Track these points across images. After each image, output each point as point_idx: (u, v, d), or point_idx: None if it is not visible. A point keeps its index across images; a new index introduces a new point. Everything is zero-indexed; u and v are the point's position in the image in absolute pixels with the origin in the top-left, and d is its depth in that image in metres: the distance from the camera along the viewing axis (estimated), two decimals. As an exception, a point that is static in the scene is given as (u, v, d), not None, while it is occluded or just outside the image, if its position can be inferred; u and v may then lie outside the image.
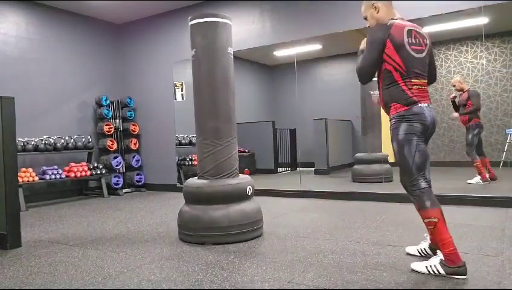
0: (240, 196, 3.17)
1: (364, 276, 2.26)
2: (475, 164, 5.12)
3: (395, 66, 2.26)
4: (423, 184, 2.29)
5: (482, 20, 4.76)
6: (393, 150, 2.37)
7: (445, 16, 4.61)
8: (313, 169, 7.01)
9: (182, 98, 6.69)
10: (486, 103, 5.82)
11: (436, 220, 2.26)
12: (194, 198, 3.20)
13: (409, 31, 2.28)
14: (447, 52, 6.11)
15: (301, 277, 2.29)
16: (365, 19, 2.50)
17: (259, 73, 8.06)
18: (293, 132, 7.68)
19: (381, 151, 6.07)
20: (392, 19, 2.35)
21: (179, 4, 6.35)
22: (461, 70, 6.00)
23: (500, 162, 5.61)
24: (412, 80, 2.27)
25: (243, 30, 5.87)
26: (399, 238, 3.03)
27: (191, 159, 6.90)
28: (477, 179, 5.11)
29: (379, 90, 2.44)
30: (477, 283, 2.11)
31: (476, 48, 5.91)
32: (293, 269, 2.43)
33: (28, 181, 5.32)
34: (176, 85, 6.67)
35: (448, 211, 4.03)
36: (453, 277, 2.16)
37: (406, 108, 2.26)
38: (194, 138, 6.97)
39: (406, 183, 2.36)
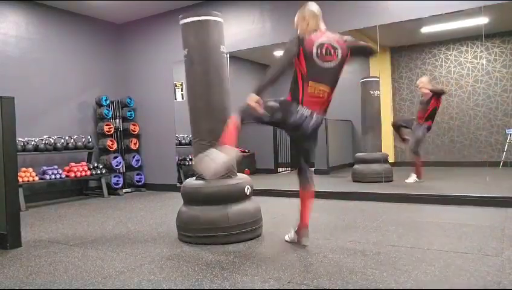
0: (238, 196, 3.15)
1: (364, 276, 2.26)
2: (418, 163, 5.40)
3: (301, 69, 2.65)
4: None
5: (482, 20, 4.76)
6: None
7: (445, 16, 4.61)
8: (313, 169, 7.00)
9: (182, 98, 6.69)
10: (486, 103, 5.82)
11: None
12: (192, 199, 3.19)
13: (320, 44, 2.65)
14: (447, 52, 6.11)
15: (301, 277, 2.29)
16: (297, 27, 2.84)
17: (259, 73, 8.04)
18: (293, 132, 7.66)
19: (381, 151, 6.07)
20: (315, 31, 2.71)
21: (178, 4, 6.35)
22: (461, 70, 6.00)
23: (500, 162, 5.61)
24: (309, 82, 2.65)
25: (243, 30, 5.87)
26: (399, 238, 3.03)
27: (191, 159, 6.90)
28: (413, 177, 5.38)
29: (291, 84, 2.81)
30: (477, 283, 2.11)
31: (476, 48, 5.91)
32: (293, 269, 2.44)
33: (28, 181, 5.32)
34: (175, 85, 6.67)
35: (448, 211, 4.06)
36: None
37: (290, 100, 2.70)
38: (193, 138, 6.97)
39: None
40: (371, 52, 2.95)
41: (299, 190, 3.02)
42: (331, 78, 2.72)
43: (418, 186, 5.21)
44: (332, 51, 2.67)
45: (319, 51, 2.64)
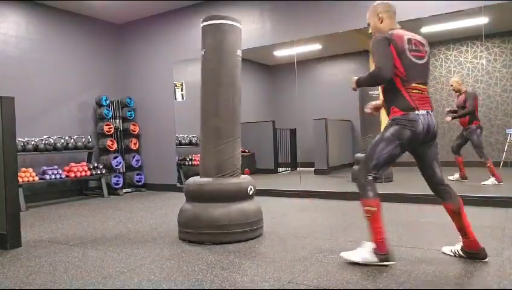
0: (241, 195, 3.18)
1: (365, 276, 2.26)
2: (488, 165, 5.05)
3: (396, 72, 2.38)
4: (370, 177, 2.47)
5: (482, 20, 4.76)
6: (371, 142, 2.55)
7: (445, 16, 4.61)
8: (313, 169, 7.01)
9: (182, 98, 6.69)
10: (486, 103, 5.82)
11: (374, 209, 2.40)
12: (195, 196, 3.21)
13: (409, 40, 2.43)
14: (447, 52, 6.11)
15: (301, 277, 2.29)
16: (368, 25, 2.64)
17: (259, 73, 8.06)
18: (293, 132, 7.67)
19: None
20: (391, 29, 2.48)
21: (178, 4, 6.35)
22: (461, 70, 5.99)
23: (500, 162, 5.61)
24: (412, 85, 2.40)
25: (243, 30, 5.86)
26: (399, 238, 3.03)
27: (191, 159, 6.90)
28: (492, 179, 5.02)
29: (383, 93, 2.56)
30: (477, 283, 2.11)
31: (476, 48, 5.91)
32: (293, 269, 2.44)
33: (28, 181, 5.32)
34: (176, 85, 6.67)
35: (448, 211, 4.04)
36: (384, 263, 2.39)
37: (402, 113, 2.39)
38: (194, 138, 6.98)
39: (359, 173, 2.52)
40: None
41: (445, 206, 2.56)
42: (426, 74, 2.50)
43: (417, 186, 5.19)
44: (420, 46, 2.47)
45: (410, 46, 2.41)
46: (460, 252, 2.53)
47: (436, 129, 2.45)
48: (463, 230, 2.51)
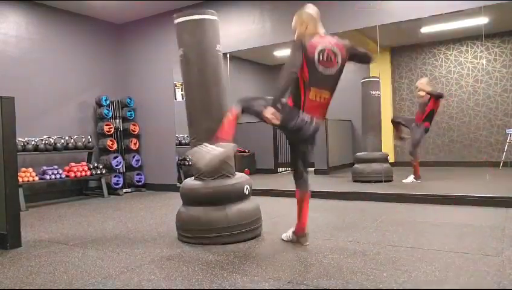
0: (237, 195, 3.14)
1: (365, 276, 2.26)
2: (415, 164, 5.43)
3: (302, 75, 2.61)
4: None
5: (482, 20, 4.76)
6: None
7: (445, 16, 4.61)
8: (313, 169, 7.00)
9: (182, 98, 6.63)
10: (486, 103, 5.82)
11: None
12: (190, 199, 3.18)
13: (321, 51, 2.63)
14: (447, 52, 6.11)
15: (301, 277, 2.29)
16: (294, 30, 2.83)
17: (259, 73, 8.05)
18: (293, 132, 7.66)
19: (381, 151, 6.07)
20: (314, 35, 2.68)
21: (178, 4, 6.35)
22: (461, 70, 5.99)
23: (500, 162, 5.61)
24: (310, 88, 2.64)
25: (243, 30, 5.87)
26: (399, 238, 3.03)
27: (191, 159, 6.90)
28: (411, 177, 5.42)
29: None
30: (477, 283, 2.11)
31: (476, 48, 5.91)
32: (293, 269, 2.44)
33: (28, 181, 5.32)
34: (175, 85, 6.66)
35: (448, 211, 4.06)
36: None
37: (292, 105, 2.68)
38: (194, 138, 6.97)
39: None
40: (370, 59, 2.92)
41: (295, 191, 3.04)
42: (332, 83, 2.73)
43: (417, 186, 5.21)
44: (332, 57, 2.66)
45: (320, 57, 2.62)
46: (291, 236, 3.00)
47: (308, 134, 2.74)
48: (300, 216, 2.96)
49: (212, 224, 3.02)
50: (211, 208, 3.06)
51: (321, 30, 2.77)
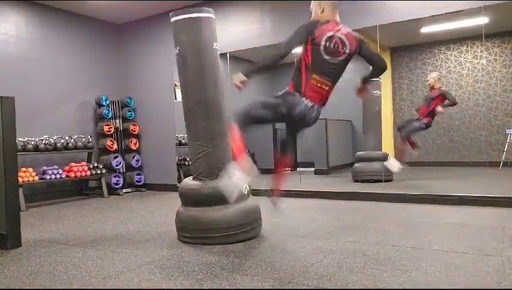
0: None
1: (364, 276, 2.26)
2: (401, 148, 5.47)
3: (305, 59, 2.57)
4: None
5: (482, 20, 4.76)
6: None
7: (445, 16, 4.61)
8: (313, 169, 7.00)
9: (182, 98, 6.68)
10: (486, 103, 5.82)
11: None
12: (189, 200, 3.16)
13: (330, 37, 2.55)
14: (447, 52, 6.11)
15: (301, 277, 2.29)
16: (310, 11, 2.75)
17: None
18: (293, 132, 7.66)
19: (381, 150, 6.07)
20: (328, 21, 2.59)
21: (179, 4, 6.34)
22: (461, 70, 6.00)
23: (500, 162, 5.61)
24: (312, 75, 2.57)
25: (242, 30, 5.87)
26: (399, 238, 3.03)
27: (191, 159, 6.89)
28: (393, 160, 5.39)
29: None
30: (477, 283, 2.11)
31: (476, 48, 5.91)
32: (293, 269, 2.43)
33: (28, 181, 5.32)
34: (175, 85, 6.66)
35: (448, 211, 4.06)
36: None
37: (293, 90, 2.62)
38: (194, 138, 6.97)
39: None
40: (382, 66, 2.74)
41: (276, 158, 3.10)
42: (335, 73, 2.64)
43: (418, 186, 5.20)
44: (340, 46, 2.57)
45: (327, 44, 2.54)
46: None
47: (311, 121, 2.68)
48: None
49: (212, 224, 3.01)
50: (210, 208, 3.04)
51: (337, 17, 2.67)
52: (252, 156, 7.81)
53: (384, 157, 5.94)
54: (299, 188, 5.41)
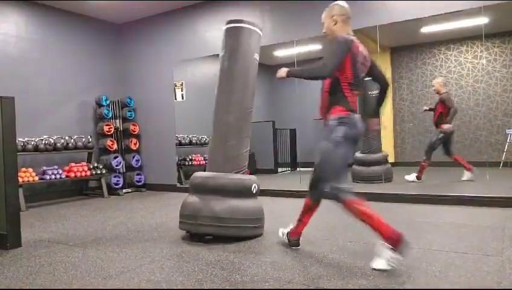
0: (244, 192, 3.19)
1: (364, 276, 2.26)
2: (423, 164, 5.38)
3: (347, 76, 2.48)
4: (337, 185, 2.49)
5: (482, 20, 4.76)
6: (320, 150, 2.57)
7: (445, 16, 4.61)
8: (313, 169, 7.00)
9: (182, 98, 6.69)
10: (486, 103, 5.82)
11: (362, 208, 2.42)
12: (199, 188, 3.24)
13: (361, 52, 2.51)
14: (447, 52, 6.11)
15: (301, 277, 2.29)
16: (323, 24, 2.71)
17: (259, 73, 8.03)
18: (293, 132, 7.67)
19: (381, 152, 6.06)
20: (348, 34, 2.54)
21: (179, 4, 6.35)
22: (461, 70, 6.00)
23: (500, 162, 5.61)
24: (354, 92, 2.53)
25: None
26: (399, 238, 3.03)
27: (191, 159, 6.90)
28: (414, 176, 5.41)
29: (324, 94, 2.66)
30: (477, 283, 2.11)
31: (476, 48, 5.91)
32: (293, 269, 2.44)
33: (28, 181, 5.32)
34: (175, 85, 6.67)
35: (448, 211, 4.06)
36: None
37: (347, 112, 2.49)
38: (194, 138, 6.98)
39: (327, 187, 2.57)
40: (388, 86, 2.74)
41: (308, 201, 2.87)
42: (362, 87, 2.63)
43: (418, 186, 5.21)
44: (365, 61, 2.56)
45: (361, 59, 2.50)
46: (285, 236, 2.91)
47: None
48: (301, 221, 2.81)
49: (216, 213, 3.06)
50: (217, 198, 3.11)
51: (350, 30, 2.62)
52: (252, 156, 7.82)
53: (384, 159, 5.93)
54: (299, 188, 5.41)
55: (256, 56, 3.45)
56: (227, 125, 3.28)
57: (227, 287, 2.17)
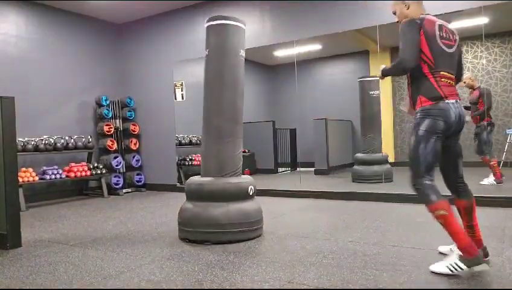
0: (241, 195, 3.18)
1: (365, 276, 2.26)
2: (491, 163, 5.05)
3: (424, 58, 2.26)
4: (426, 181, 2.27)
5: (482, 20, 4.76)
6: (409, 144, 2.33)
7: (445, 16, 4.60)
8: (313, 169, 7.01)
9: (182, 98, 6.69)
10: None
11: (444, 212, 2.23)
12: (195, 195, 3.22)
13: (440, 26, 2.31)
14: (447, 52, 6.10)
15: (301, 277, 2.29)
16: (394, 13, 2.51)
17: (259, 73, 8.05)
18: (293, 132, 7.67)
19: (381, 152, 6.07)
20: (421, 14, 2.37)
21: (179, 4, 6.35)
22: (461, 70, 5.99)
23: (500, 162, 5.61)
24: (440, 73, 2.28)
25: (243, 30, 5.87)
26: (399, 238, 3.03)
27: (191, 159, 6.90)
28: (491, 179, 5.05)
29: (408, 86, 2.43)
30: (478, 283, 2.11)
31: (476, 48, 5.91)
32: (293, 269, 2.43)
33: (28, 181, 5.32)
34: (175, 85, 6.67)
35: (448, 211, 4.04)
36: (475, 269, 2.15)
37: (431, 103, 2.25)
38: (194, 138, 6.98)
39: (412, 180, 2.32)
40: (458, 80, 2.50)
41: (456, 201, 2.52)
42: (455, 65, 2.37)
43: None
44: (450, 34, 2.33)
45: (440, 32, 2.27)
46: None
47: (464, 118, 2.31)
48: (472, 228, 2.39)
49: (214, 220, 3.05)
50: (214, 204, 3.10)
51: (424, 11, 2.42)
52: (252, 156, 7.83)
53: (384, 160, 5.93)
54: (299, 188, 5.42)
55: (242, 53, 3.37)
56: (219, 128, 3.23)
57: (227, 287, 2.17)
